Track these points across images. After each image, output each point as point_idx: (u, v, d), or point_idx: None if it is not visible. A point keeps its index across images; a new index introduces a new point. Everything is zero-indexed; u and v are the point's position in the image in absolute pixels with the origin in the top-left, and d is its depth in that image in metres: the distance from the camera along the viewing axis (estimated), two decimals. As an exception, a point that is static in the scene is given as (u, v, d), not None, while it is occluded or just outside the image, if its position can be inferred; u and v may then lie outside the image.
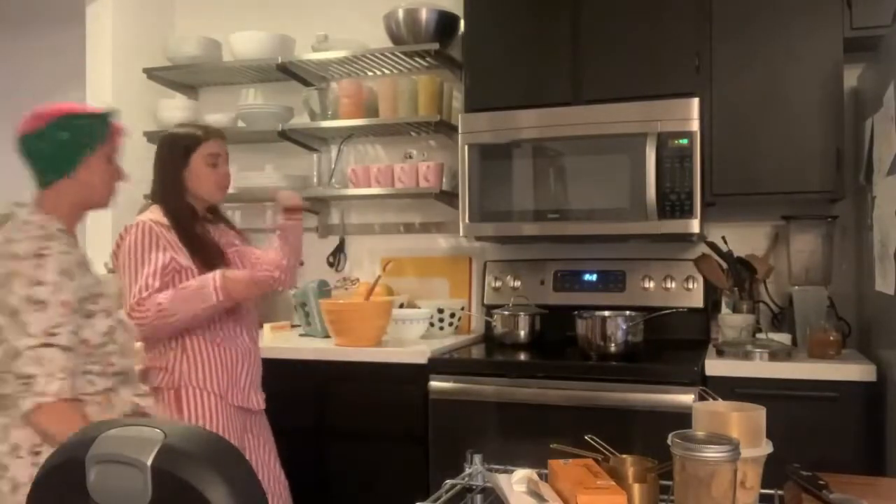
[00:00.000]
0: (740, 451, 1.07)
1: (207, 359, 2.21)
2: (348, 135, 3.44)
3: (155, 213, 2.24)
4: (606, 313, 2.63)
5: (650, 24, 2.73)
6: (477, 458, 1.23)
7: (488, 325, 3.03)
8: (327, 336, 2.95)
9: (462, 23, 3.07)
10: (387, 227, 3.44)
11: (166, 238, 2.17)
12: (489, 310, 3.04)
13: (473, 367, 2.62)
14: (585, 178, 2.71)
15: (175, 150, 2.26)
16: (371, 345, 2.73)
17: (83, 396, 1.65)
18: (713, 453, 1.05)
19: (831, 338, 2.42)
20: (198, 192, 2.27)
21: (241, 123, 3.45)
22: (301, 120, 3.43)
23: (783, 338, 2.64)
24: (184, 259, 2.17)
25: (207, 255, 2.22)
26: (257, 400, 2.32)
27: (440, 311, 3.05)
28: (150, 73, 3.51)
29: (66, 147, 1.70)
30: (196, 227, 2.26)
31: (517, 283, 3.11)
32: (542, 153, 2.76)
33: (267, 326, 3.10)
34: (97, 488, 1.12)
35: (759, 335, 2.67)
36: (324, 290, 3.13)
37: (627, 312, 2.63)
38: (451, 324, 3.07)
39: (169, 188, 2.25)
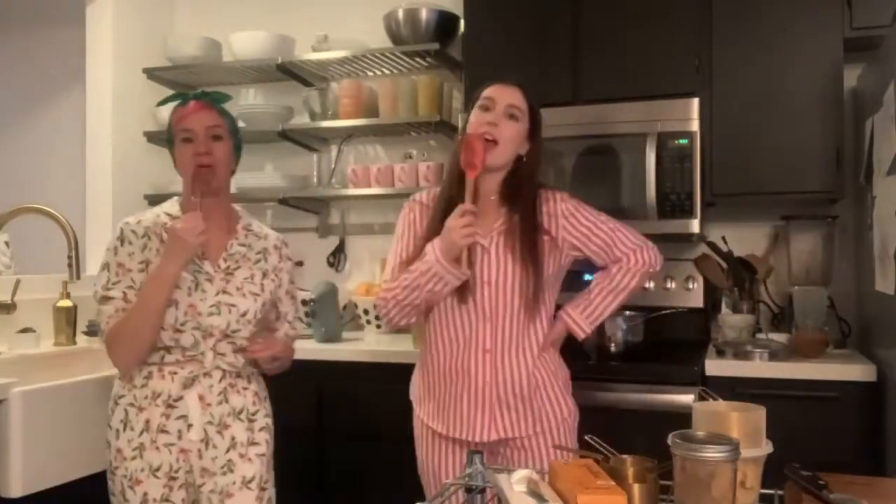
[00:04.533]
0: (740, 451, 1.07)
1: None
2: (348, 135, 3.44)
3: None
4: (606, 313, 2.63)
5: (650, 24, 2.73)
6: (477, 458, 1.23)
7: (488, 325, 3.02)
8: (329, 340, 2.95)
9: (462, 23, 3.07)
10: (387, 228, 3.44)
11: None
12: (489, 310, 3.03)
13: (473, 367, 2.61)
14: (585, 177, 2.71)
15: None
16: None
17: None
18: (713, 453, 1.05)
19: (817, 336, 2.44)
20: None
21: (241, 123, 3.44)
22: (301, 120, 3.43)
23: (783, 338, 2.64)
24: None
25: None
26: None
27: (440, 311, 3.04)
28: (150, 73, 3.51)
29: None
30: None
31: (517, 283, 3.10)
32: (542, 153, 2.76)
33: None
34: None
35: (759, 335, 2.68)
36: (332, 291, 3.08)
37: (627, 312, 2.63)
38: (451, 324, 3.06)
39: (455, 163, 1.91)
